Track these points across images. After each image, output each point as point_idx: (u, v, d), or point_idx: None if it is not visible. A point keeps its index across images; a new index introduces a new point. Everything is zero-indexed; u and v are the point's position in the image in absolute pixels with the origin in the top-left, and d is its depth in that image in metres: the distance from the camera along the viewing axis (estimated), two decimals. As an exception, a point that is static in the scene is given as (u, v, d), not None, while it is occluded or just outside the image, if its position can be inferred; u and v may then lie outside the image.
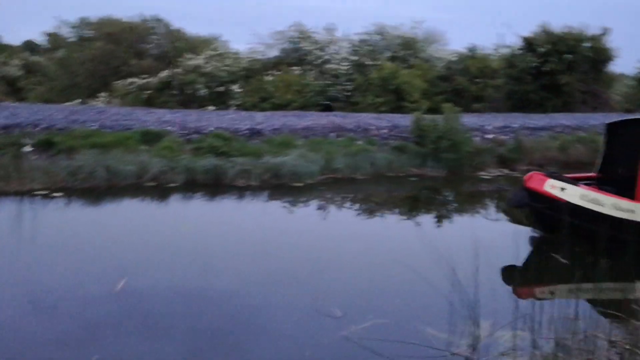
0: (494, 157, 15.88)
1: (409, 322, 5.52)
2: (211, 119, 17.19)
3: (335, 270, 7.16)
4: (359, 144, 15.73)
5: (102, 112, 17.41)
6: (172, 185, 11.82)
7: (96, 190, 11.06)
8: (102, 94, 25.46)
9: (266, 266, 7.18)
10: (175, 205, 10.80)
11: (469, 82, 25.72)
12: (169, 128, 14.59)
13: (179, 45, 29.49)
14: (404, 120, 18.51)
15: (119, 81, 26.23)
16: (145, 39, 30.06)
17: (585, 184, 8.68)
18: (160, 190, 11.47)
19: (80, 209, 10.08)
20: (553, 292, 6.23)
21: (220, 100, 25.92)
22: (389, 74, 23.97)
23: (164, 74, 25.74)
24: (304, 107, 24.31)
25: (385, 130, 17.31)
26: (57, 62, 31.32)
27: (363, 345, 4.92)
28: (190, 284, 6.52)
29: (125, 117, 16.08)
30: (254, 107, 24.69)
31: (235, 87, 25.93)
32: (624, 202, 7.60)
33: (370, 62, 26.45)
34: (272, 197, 11.84)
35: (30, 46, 58.34)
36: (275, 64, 28.10)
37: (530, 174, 8.47)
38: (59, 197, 10.44)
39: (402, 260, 6.73)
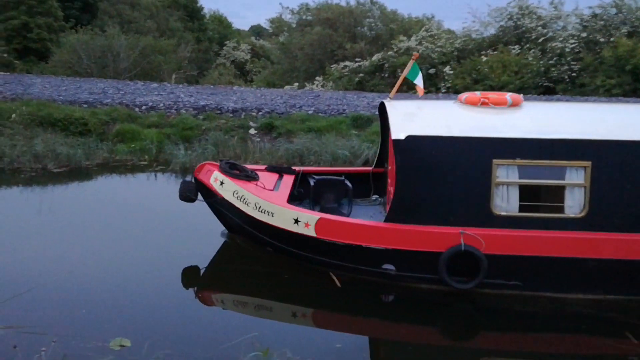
0: None
1: None
2: (422, 103, 16.81)
3: None
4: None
5: (317, 96, 18.17)
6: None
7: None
8: (318, 77, 26.67)
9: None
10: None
11: None
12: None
13: (392, 27, 29.54)
14: (644, 106, 16.07)
15: (333, 65, 27.22)
16: (360, 23, 30.68)
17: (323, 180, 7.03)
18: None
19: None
20: None
21: (431, 82, 25.38)
22: (626, 52, 20.98)
23: (376, 57, 25.99)
24: (521, 90, 22.58)
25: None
26: (279, 46, 33.69)
27: None
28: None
29: (338, 102, 16.55)
30: (465, 90, 23.70)
31: (447, 69, 25.14)
32: (265, 203, 6.27)
33: (603, 39, 23.48)
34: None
35: (256, 31, 64.26)
36: (491, 43, 26.58)
37: (202, 163, 7.33)
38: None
39: None
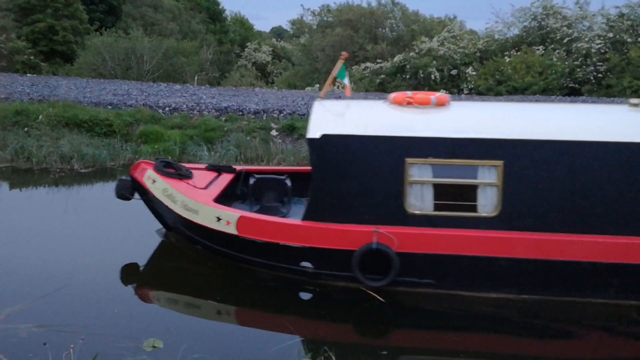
0: None
1: None
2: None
3: None
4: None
5: (338, 98, 18.12)
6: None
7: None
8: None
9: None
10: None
11: None
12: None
13: (414, 28, 29.40)
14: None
15: (354, 66, 27.19)
16: (381, 24, 30.61)
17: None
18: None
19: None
20: None
21: (453, 83, 25.21)
22: (654, 52, 20.61)
23: (398, 58, 25.89)
24: (545, 91, 22.33)
25: None
26: (300, 48, 33.76)
27: None
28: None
29: (360, 103, 16.50)
30: (488, 91, 23.49)
31: (469, 70, 24.95)
32: (191, 202, 6.25)
33: (630, 39, 23.09)
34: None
35: (277, 32, 64.52)
36: (514, 43, 26.33)
37: (138, 161, 7.34)
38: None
39: None
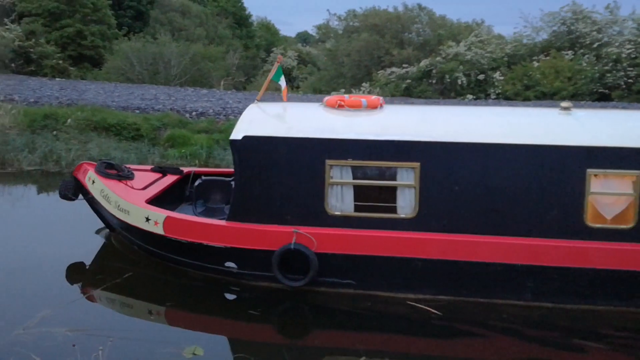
0: None
1: None
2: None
3: None
4: None
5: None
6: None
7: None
8: (365, 84, 26.56)
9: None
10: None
11: None
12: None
13: (441, 33, 29.15)
14: None
15: (380, 71, 27.05)
16: (408, 28, 30.40)
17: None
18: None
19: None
20: None
21: (480, 88, 24.91)
22: (689, 57, 20.06)
23: (424, 63, 25.69)
24: (574, 96, 21.90)
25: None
26: (325, 53, 33.74)
27: None
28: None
29: (386, 108, 16.41)
30: (516, 96, 23.14)
31: (497, 75, 24.62)
32: (123, 202, 6.31)
33: (663, 44, 22.57)
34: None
35: (303, 37, 64.72)
36: (543, 48, 25.91)
37: (81, 162, 7.50)
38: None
39: None
